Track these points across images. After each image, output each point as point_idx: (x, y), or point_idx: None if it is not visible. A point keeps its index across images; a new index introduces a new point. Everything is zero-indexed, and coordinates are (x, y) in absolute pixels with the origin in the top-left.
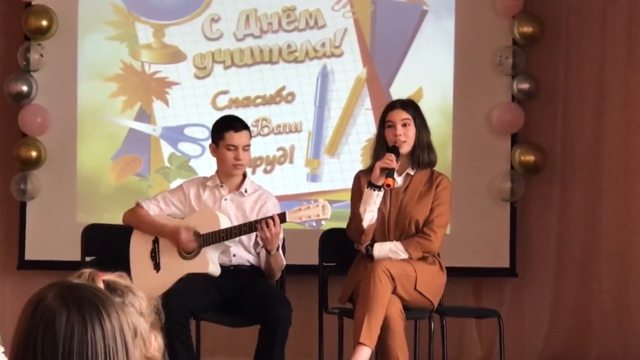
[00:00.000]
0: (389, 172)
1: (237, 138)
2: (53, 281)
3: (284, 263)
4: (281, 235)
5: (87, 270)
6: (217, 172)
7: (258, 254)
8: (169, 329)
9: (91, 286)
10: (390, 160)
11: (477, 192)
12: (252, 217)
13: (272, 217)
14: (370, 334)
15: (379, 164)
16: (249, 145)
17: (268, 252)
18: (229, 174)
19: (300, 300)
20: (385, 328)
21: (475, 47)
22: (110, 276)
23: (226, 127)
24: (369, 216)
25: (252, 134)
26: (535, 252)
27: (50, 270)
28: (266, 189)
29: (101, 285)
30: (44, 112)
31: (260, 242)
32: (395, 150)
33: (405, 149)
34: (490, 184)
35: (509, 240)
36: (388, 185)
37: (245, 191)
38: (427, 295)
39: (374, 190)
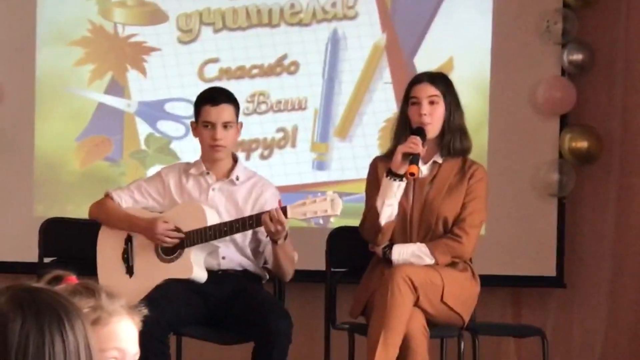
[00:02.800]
0: (413, 158)
1: (213, 113)
2: (7, 285)
3: (296, 256)
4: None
5: (57, 272)
6: (202, 157)
7: (256, 257)
8: (144, 345)
9: (53, 291)
10: (414, 144)
11: (518, 185)
12: (247, 210)
13: (270, 212)
14: (386, 354)
15: (401, 148)
16: (232, 122)
17: (275, 242)
18: (210, 157)
19: (302, 313)
20: (405, 348)
21: (518, 9)
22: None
23: (203, 100)
24: (388, 211)
25: (247, 112)
26: (587, 259)
27: (1, 273)
28: (262, 176)
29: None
30: None
31: (266, 234)
32: (420, 131)
33: (432, 132)
34: (534, 175)
35: (556, 243)
36: (412, 174)
37: (237, 179)
38: (456, 308)
39: (395, 179)
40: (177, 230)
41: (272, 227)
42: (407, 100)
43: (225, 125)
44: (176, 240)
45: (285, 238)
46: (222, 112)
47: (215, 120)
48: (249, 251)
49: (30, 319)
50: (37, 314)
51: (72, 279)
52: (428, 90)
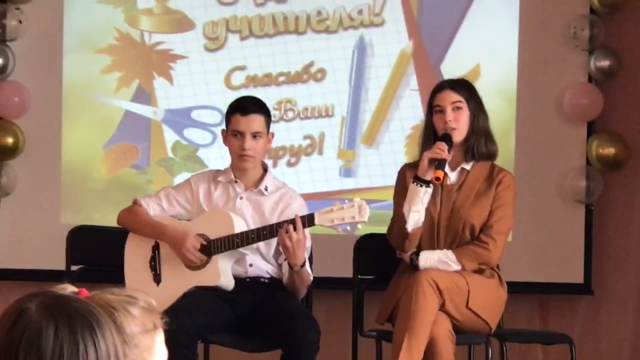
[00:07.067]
0: (439, 164)
1: (243, 123)
2: (33, 292)
3: (311, 278)
4: (308, 244)
5: (64, 286)
6: (231, 165)
7: (280, 265)
8: (171, 353)
9: (82, 299)
10: (440, 149)
11: (545, 192)
12: (272, 222)
13: (293, 220)
14: (410, 358)
15: (427, 154)
16: (262, 133)
17: (291, 267)
18: (238, 166)
19: (330, 320)
20: (430, 352)
21: (545, 15)
22: (96, 293)
23: (233, 109)
24: (415, 217)
25: (274, 119)
26: (615, 265)
27: (29, 281)
28: (291, 188)
29: None
30: (22, 90)
31: (282, 251)
32: (447, 138)
33: (458, 137)
34: (562, 181)
35: (584, 250)
36: (438, 179)
37: (266, 189)
38: (482, 315)
39: (421, 185)
40: (205, 238)
41: (287, 240)
42: (431, 108)
43: (255, 135)
44: (203, 257)
45: (302, 265)
46: (251, 122)
47: (244, 129)
48: (273, 260)
49: (63, 327)
50: (70, 322)
51: (84, 292)
52: (451, 97)
